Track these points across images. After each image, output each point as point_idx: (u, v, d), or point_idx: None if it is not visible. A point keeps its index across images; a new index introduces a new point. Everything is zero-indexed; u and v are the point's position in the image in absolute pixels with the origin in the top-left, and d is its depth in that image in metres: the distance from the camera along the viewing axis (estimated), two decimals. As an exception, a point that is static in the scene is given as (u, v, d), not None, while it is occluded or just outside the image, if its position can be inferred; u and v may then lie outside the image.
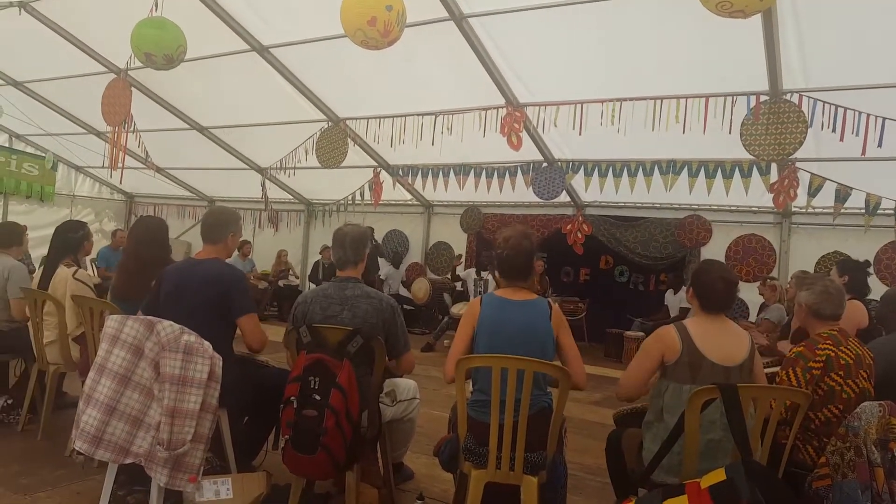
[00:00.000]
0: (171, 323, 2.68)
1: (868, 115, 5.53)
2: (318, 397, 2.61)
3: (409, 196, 10.56)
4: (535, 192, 8.34)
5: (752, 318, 7.34)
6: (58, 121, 9.97)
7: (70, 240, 4.13)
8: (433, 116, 7.45)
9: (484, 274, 8.57)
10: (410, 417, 3.30)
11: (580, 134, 6.67)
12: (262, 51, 7.03)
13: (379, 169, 9.45)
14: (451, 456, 2.71)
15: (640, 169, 7.47)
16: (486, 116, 7.16)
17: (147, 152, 9.33)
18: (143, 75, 7.76)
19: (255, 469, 3.15)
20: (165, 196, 12.89)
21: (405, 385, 3.26)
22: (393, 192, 9.74)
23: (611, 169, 7.67)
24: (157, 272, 3.29)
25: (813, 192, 6.65)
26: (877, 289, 4.96)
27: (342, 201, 10.23)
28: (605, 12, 5.45)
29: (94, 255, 9.25)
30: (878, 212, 6.67)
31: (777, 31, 5.12)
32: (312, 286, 10.57)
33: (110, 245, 9.58)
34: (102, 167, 9.80)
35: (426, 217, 11.05)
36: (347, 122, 8.28)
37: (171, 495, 2.76)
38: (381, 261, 10.83)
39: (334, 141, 8.31)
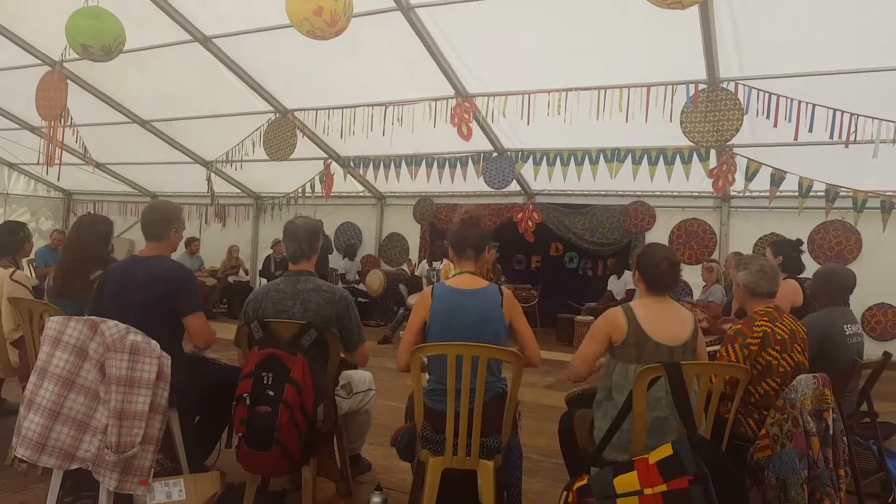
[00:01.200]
0: (116, 323, 2.61)
1: (799, 101, 5.79)
2: (271, 393, 2.58)
3: (360, 188, 10.48)
4: (485, 182, 8.42)
5: (696, 297, 7.59)
6: (-12, 116, 9.50)
7: (9, 242, 3.99)
8: (383, 107, 7.42)
9: (436, 264, 8.60)
10: (366, 409, 3.30)
11: (528, 124, 6.76)
12: (205, 41, 6.85)
13: (329, 161, 9.34)
14: (408, 445, 2.73)
15: (587, 157, 7.62)
16: (437, 107, 7.17)
17: (85, 148, 8.95)
18: (80, 67, 7.48)
19: (209, 469, 3.10)
20: (106, 192, 12.44)
21: (360, 377, 3.26)
22: (344, 184, 9.65)
23: (559, 158, 7.80)
24: (96, 269, 3.19)
25: (750, 176, 6.90)
26: (810, 267, 5.22)
27: (292, 194, 10.08)
28: (550, 4, 5.53)
29: (31, 255, 8.86)
30: (811, 194, 6.98)
31: (713, 22, 5.29)
32: (263, 282, 10.40)
33: (49, 245, 9.21)
34: (38, 164, 9.38)
35: (379, 209, 11.00)
36: (296, 113, 8.16)
37: (121, 499, 2.70)
38: (336, 254, 10.75)
39: (282, 133, 8.17)
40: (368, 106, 7.50)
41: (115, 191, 12.26)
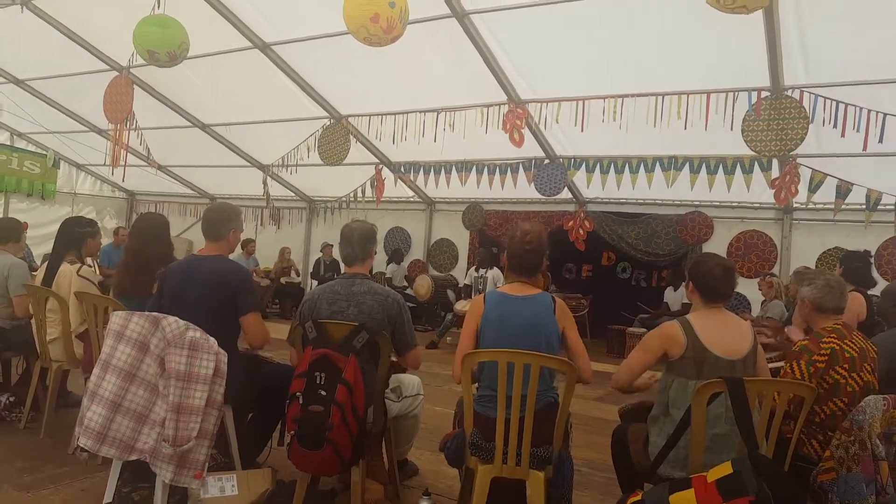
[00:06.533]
0: (177, 319, 2.68)
1: (869, 110, 5.54)
2: (323, 393, 2.61)
3: (410, 193, 10.57)
4: (536, 189, 8.35)
5: (755, 313, 7.34)
6: (59, 119, 9.98)
7: (76, 234, 4.10)
8: (435, 113, 7.45)
9: (482, 271, 8.58)
10: (415, 413, 3.30)
11: (582, 130, 6.67)
12: (265, 48, 7.03)
13: (381, 166, 9.45)
14: (457, 451, 2.71)
15: (642, 165, 7.47)
16: (489, 113, 7.16)
17: (149, 150, 9.33)
18: (146, 73, 7.77)
19: (260, 465, 3.16)
20: (167, 194, 12.90)
21: (410, 381, 3.27)
22: (395, 189, 9.74)
23: (612, 165, 7.67)
24: (157, 269, 3.29)
25: (814, 187, 6.64)
26: (879, 284, 4.96)
27: (344, 198, 10.24)
28: (607, 8, 5.46)
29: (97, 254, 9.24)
30: (879, 207, 6.68)
31: (778, 27, 5.12)
32: (314, 284, 10.59)
33: (112, 242, 9.58)
34: (104, 165, 9.82)
35: (428, 214, 11.05)
36: (349, 119, 8.28)
37: (176, 492, 2.77)
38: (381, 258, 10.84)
39: (336, 138, 8.31)
40: (421, 112, 7.55)
41: (175, 192, 12.70)
